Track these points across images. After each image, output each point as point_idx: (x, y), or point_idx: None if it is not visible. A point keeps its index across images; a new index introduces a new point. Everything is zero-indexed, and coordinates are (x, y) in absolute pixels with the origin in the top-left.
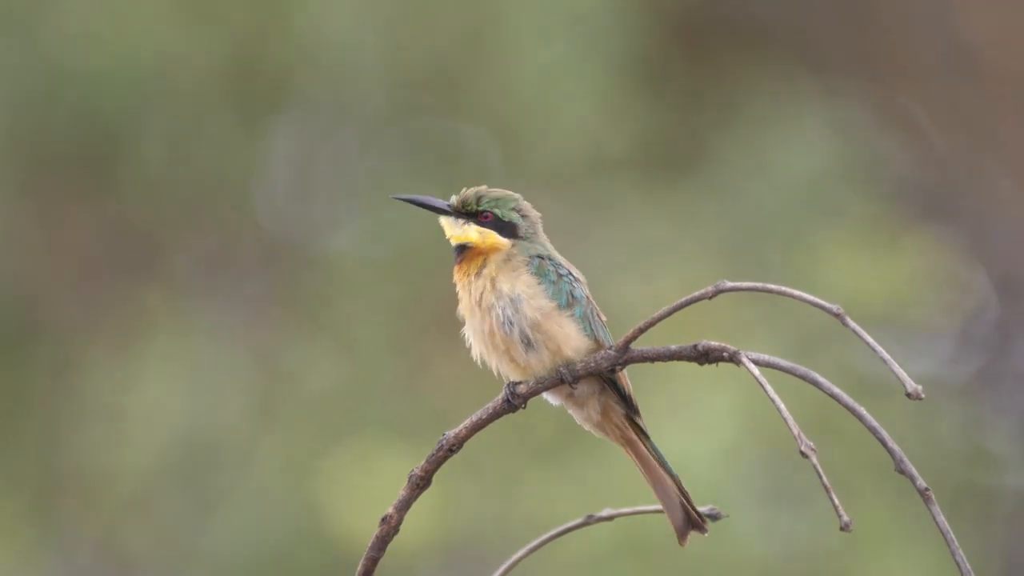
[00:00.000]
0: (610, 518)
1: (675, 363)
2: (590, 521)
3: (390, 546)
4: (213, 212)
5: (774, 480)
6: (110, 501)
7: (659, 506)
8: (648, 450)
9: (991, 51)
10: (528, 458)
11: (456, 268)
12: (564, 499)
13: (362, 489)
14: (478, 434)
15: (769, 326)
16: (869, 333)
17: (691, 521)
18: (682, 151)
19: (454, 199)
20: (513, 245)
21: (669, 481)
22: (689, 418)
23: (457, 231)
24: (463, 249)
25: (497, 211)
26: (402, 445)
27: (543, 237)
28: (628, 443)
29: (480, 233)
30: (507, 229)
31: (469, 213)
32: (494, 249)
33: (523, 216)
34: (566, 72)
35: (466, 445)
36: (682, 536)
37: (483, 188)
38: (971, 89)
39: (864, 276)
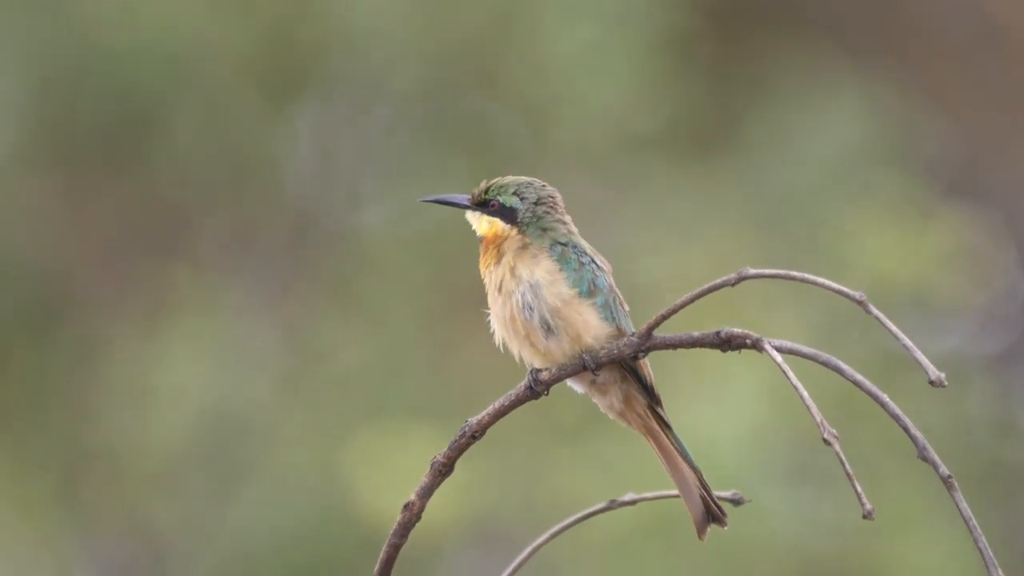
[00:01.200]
0: (633, 502)
1: None
2: (613, 506)
3: (414, 531)
4: (242, 190)
5: (800, 462)
6: (137, 480)
7: None
8: (670, 441)
9: (1021, 28)
10: (553, 439)
11: (480, 258)
12: (588, 480)
13: (388, 469)
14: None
15: (796, 306)
16: (897, 311)
17: (711, 514)
18: (712, 130)
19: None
20: (519, 231)
21: (690, 473)
22: (715, 400)
23: (474, 224)
24: (483, 239)
25: (501, 198)
26: (428, 426)
27: (562, 218)
28: (650, 433)
29: (489, 223)
30: (508, 215)
31: (481, 203)
32: (499, 237)
33: (522, 199)
34: (597, 51)
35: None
36: (701, 530)
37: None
38: (1001, 66)
39: (893, 253)
